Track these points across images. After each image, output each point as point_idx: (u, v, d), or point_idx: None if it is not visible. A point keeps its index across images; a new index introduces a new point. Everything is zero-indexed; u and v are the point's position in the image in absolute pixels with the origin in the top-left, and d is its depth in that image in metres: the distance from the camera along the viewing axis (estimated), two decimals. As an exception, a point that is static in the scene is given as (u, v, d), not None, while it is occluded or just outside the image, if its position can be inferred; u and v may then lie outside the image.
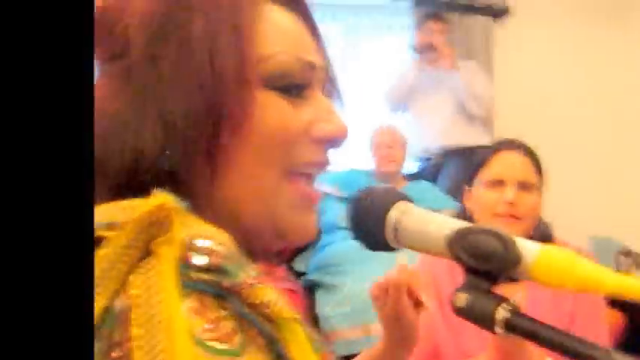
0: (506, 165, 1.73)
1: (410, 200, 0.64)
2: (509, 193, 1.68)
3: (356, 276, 2.68)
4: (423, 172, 3.94)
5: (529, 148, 1.78)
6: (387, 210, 0.62)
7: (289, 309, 0.50)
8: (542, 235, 1.74)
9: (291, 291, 2.68)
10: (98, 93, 0.55)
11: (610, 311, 2.53)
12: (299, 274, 2.95)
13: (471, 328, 1.57)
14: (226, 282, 0.48)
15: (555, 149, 3.37)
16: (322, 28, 0.66)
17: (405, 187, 3.29)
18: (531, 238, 1.67)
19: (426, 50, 3.90)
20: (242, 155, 0.56)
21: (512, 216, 1.67)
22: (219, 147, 0.55)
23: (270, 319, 0.49)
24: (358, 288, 2.63)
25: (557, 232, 1.80)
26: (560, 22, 4.46)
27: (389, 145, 3.31)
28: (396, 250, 0.63)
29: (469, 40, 4.33)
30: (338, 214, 2.91)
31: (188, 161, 0.55)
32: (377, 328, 2.51)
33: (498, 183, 1.71)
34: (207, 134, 0.55)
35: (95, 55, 0.59)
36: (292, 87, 0.59)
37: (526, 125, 3.56)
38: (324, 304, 2.68)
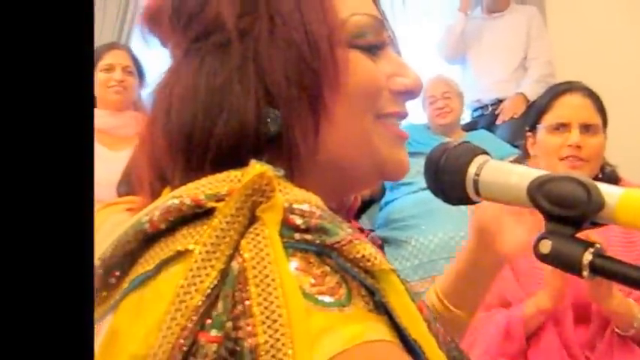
0: (569, 108, 1.72)
1: (486, 153, 0.66)
2: (574, 135, 1.67)
3: (422, 230, 2.69)
4: (479, 121, 3.90)
5: (590, 89, 1.76)
6: (467, 165, 0.64)
7: (386, 261, 0.53)
8: (609, 177, 1.73)
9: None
10: (192, 71, 0.60)
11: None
12: (362, 230, 2.98)
13: (537, 275, 1.59)
14: (328, 240, 0.51)
15: (616, 91, 3.30)
16: None
17: (463, 137, 3.27)
18: (597, 179, 1.67)
19: None
20: (340, 108, 0.61)
21: (578, 158, 1.66)
22: (321, 105, 0.60)
23: (368, 272, 0.53)
24: (425, 241, 2.65)
25: (625, 171, 1.78)
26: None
27: (445, 97, 3.28)
28: (476, 202, 0.65)
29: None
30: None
31: (293, 122, 0.59)
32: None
33: (562, 126, 1.70)
34: (309, 95, 0.60)
35: (175, 39, 0.64)
36: (370, 45, 0.64)
37: (584, 68, 3.49)
38: (393, 259, 2.70)
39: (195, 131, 0.58)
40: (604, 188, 0.56)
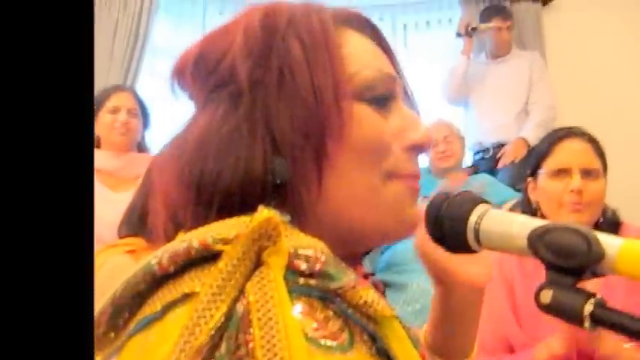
0: (570, 153, 1.73)
1: (487, 202, 0.66)
2: (575, 181, 1.68)
3: (423, 273, 2.67)
4: (480, 164, 3.93)
5: (589, 134, 1.77)
6: (468, 214, 0.64)
7: (388, 308, 0.55)
8: (610, 220, 1.73)
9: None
10: (206, 119, 0.63)
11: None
12: (366, 276, 2.95)
13: (541, 319, 1.59)
14: (332, 285, 0.53)
15: (617, 134, 3.32)
16: None
17: (465, 181, 3.28)
18: (599, 223, 1.67)
19: (469, 32, 3.94)
20: (344, 161, 0.63)
21: (579, 203, 1.67)
22: (325, 155, 0.62)
23: (371, 318, 0.54)
24: (426, 285, 2.64)
25: (626, 214, 1.79)
26: (613, 2, 4.37)
27: (446, 140, 3.30)
28: (476, 251, 0.66)
29: (519, 29, 4.29)
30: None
31: (296, 171, 0.61)
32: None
33: (563, 172, 1.71)
34: (313, 145, 0.61)
35: (195, 91, 0.67)
36: (379, 98, 0.66)
37: (584, 112, 3.52)
38: (394, 303, 2.69)
39: (204, 176, 0.60)
40: (604, 239, 0.57)
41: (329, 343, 0.51)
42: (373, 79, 0.66)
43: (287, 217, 0.56)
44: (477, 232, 0.64)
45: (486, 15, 4.03)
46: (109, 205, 2.37)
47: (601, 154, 1.76)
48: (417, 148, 0.68)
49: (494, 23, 3.95)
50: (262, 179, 0.60)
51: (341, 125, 0.62)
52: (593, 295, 0.56)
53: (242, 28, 0.65)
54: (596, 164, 1.73)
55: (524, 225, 0.61)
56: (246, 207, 0.57)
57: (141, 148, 2.74)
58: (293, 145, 0.61)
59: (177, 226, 0.62)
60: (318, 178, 0.62)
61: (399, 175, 0.66)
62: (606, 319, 0.55)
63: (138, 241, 1.75)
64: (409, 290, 2.68)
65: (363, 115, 0.64)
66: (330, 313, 0.53)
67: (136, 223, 1.78)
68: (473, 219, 0.64)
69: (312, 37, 0.64)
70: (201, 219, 0.59)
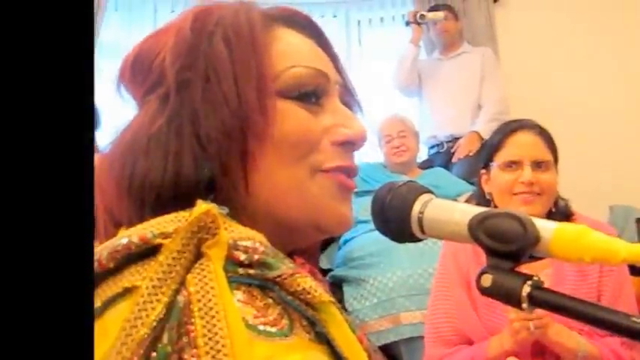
0: (521, 145, 1.76)
1: (430, 192, 0.68)
2: (526, 173, 1.71)
3: (380, 268, 2.71)
4: (435, 158, 3.98)
5: (540, 127, 1.81)
6: (411, 204, 0.66)
7: (325, 294, 0.57)
8: (562, 211, 1.77)
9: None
10: (139, 119, 0.65)
11: (635, 279, 2.54)
12: (324, 271, 2.98)
13: (496, 309, 1.62)
14: (270, 274, 0.55)
15: (570, 125, 3.39)
16: (323, 24, 0.73)
17: (419, 175, 3.31)
18: (551, 214, 1.72)
19: (418, 21, 4.01)
20: (269, 159, 0.64)
21: (531, 194, 1.71)
22: (248, 153, 0.63)
23: (309, 304, 0.56)
24: (384, 279, 2.67)
25: (578, 205, 1.83)
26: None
27: (400, 135, 3.32)
28: (421, 240, 0.68)
29: (471, 25, 4.36)
30: (357, 208, 2.93)
31: (223, 170, 0.62)
32: (406, 317, 2.56)
33: (514, 164, 1.74)
34: (237, 144, 0.62)
35: (134, 92, 0.68)
36: (308, 95, 0.67)
37: (535, 105, 3.59)
38: (352, 298, 2.71)
39: (135, 174, 0.61)
40: (540, 223, 0.59)
41: (269, 329, 0.53)
42: (301, 76, 0.67)
43: (225, 210, 0.57)
44: (420, 220, 0.65)
45: (433, 10, 4.13)
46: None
47: (552, 146, 1.79)
48: (349, 144, 0.68)
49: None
50: (194, 178, 0.61)
51: (264, 123, 0.63)
52: (530, 277, 0.58)
53: (174, 30, 0.67)
54: (547, 156, 1.76)
55: (465, 212, 0.63)
56: (180, 204, 0.58)
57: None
58: (218, 145, 0.62)
59: (115, 224, 0.63)
60: (244, 177, 0.63)
61: (327, 169, 0.67)
62: (543, 299, 0.58)
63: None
64: (367, 285, 2.70)
65: (287, 112, 0.65)
66: (270, 300, 0.55)
67: None
68: (416, 208, 0.66)
69: (238, 37, 0.65)
70: (136, 216, 0.60)
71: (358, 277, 2.75)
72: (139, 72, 0.67)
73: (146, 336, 0.48)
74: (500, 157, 1.78)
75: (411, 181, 0.70)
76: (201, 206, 0.55)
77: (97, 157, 0.66)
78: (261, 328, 0.52)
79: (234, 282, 0.54)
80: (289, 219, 0.64)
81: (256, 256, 0.55)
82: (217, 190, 0.62)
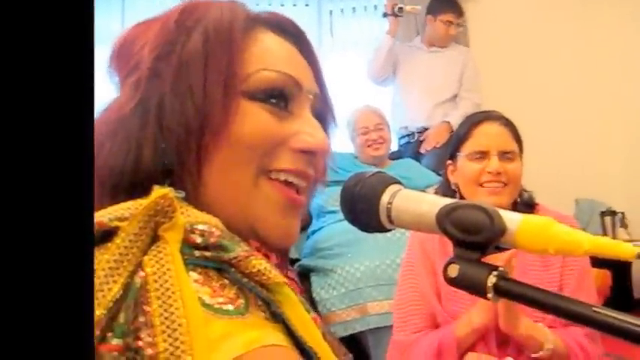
0: (487, 136, 1.78)
1: (399, 183, 0.69)
2: (493, 162, 1.73)
3: (348, 258, 2.72)
4: (405, 149, 4.00)
5: (506, 118, 1.83)
6: (379, 195, 0.67)
7: (280, 275, 0.58)
8: (526, 202, 1.80)
9: (288, 277, 2.71)
10: (113, 104, 0.66)
11: (597, 271, 2.60)
12: (292, 261, 2.99)
13: (460, 296, 1.64)
14: (226, 256, 0.56)
15: (536, 118, 3.44)
16: (296, 12, 0.74)
17: (389, 165, 3.32)
18: (516, 204, 1.74)
19: (396, 13, 4.02)
20: (222, 155, 0.64)
21: (498, 184, 1.73)
22: (204, 147, 0.64)
23: (264, 285, 0.57)
24: (352, 269, 2.68)
25: (543, 198, 1.85)
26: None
27: (377, 128, 3.32)
28: (390, 230, 0.68)
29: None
30: (326, 198, 2.95)
31: (180, 161, 0.63)
32: (373, 307, 2.58)
33: (481, 154, 1.75)
34: (195, 137, 0.63)
35: (118, 76, 0.70)
36: (275, 98, 0.67)
37: (505, 96, 3.63)
38: (320, 288, 2.72)
39: (98, 158, 0.62)
40: (506, 215, 0.60)
41: (225, 307, 0.53)
42: (269, 80, 0.67)
43: (181, 194, 0.59)
44: (389, 211, 0.66)
45: (437, 7, 4.11)
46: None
47: (517, 137, 1.81)
48: (309, 153, 0.69)
49: (446, 17, 4.04)
50: (152, 166, 0.63)
51: (224, 120, 0.64)
52: (495, 267, 0.60)
53: (161, 21, 0.68)
54: (513, 146, 1.78)
55: (433, 204, 0.64)
56: (137, 191, 0.59)
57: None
58: (177, 135, 0.63)
59: None
60: (198, 171, 0.64)
61: (277, 179, 0.67)
62: (508, 290, 0.59)
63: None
64: (334, 275, 2.71)
65: (250, 112, 0.66)
66: (226, 281, 0.56)
67: None
68: (385, 199, 0.66)
69: (216, 33, 0.66)
70: (100, 201, 0.60)
71: (326, 267, 2.76)
72: (123, 56, 0.69)
73: (102, 316, 0.49)
74: (467, 148, 1.79)
75: (379, 171, 0.70)
76: (158, 190, 0.56)
77: None
78: (217, 307, 0.53)
79: (191, 264, 0.55)
80: (232, 221, 0.63)
81: (212, 239, 0.56)
82: (174, 180, 0.63)
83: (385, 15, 4.12)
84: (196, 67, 0.65)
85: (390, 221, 0.67)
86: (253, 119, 0.66)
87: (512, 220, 0.59)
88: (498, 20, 4.50)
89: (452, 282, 0.61)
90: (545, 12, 4.51)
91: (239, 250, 0.57)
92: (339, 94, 0.71)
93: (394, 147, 3.97)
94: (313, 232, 3.03)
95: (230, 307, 0.54)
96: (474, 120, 1.83)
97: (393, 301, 1.93)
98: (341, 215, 0.71)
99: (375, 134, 3.30)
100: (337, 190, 0.70)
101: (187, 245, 0.55)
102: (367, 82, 4.22)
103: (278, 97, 0.68)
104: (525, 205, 1.78)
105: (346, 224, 0.71)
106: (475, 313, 1.61)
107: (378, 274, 2.63)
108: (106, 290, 0.50)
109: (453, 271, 0.61)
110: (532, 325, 1.59)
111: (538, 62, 4.43)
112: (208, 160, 0.64)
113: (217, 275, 0.56)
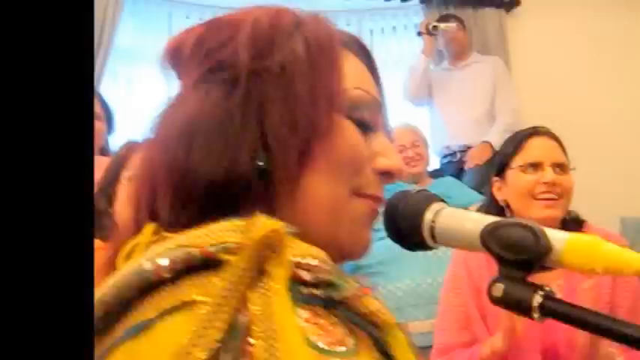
0: (539, 148, 1.76)
1: (443, 201, 0.68)
2: (548, 173, 1.71)
3: (390, 276, 2.70)
4: (447, 167, 3.98)
5: (553, 133, 1.81)
6: (423, 212, 0.66)
7: (392, 316, 0.56)
8: (575, 219, 1.77)
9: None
10: (196, 103, 0.63)
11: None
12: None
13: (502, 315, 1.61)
14: (336, 295, 0.54)
15: (581, 135, 3.38)
16: None
17: (430, 184, 3.31)
18: (565, 222, 1.71)
19: (431, 32, 4.02)
20: (323, 165, 0.63)
21: (553, 196, 1.70)
22: (309, 153, 0.62)
23: (375, 325, 0.56)
24: (393, 288, 2.66)
25: (588, 216, 1.82)
26: (574, 9, 4.46)
27: (414, 145, 3.32)
28: (433, 248, 0.68)
29: (483, 35, 4.37)
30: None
31: (279, 166, 0.61)
32: (415, 326, 2.55)
33: (534, 166, 1.73)
34: (300, 144, 0.61)
35: (187, 73, 0.67)
36: (363, 118, 0.67)
37: (548, 114, 3.58)
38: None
39: (190, 161, 0.60)
40: (551, 233, 0.59)
41: (335, 348, 0.51)
42: (361, 100, 0.67)
43: (291, 228, 0.56)
44: (432, 229, 0.66)
45: (443, 21, 4.14)
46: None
47: (564, 152, 1.79)
48: (387, 175, 0.68)
49: (444, 27, 4.06)
50: (245, 169, 0.60)
51: (328, 133, 0.62)
52: (542, 287, 0.59)
53: (250, 20, 0.65)
54: (564, 159, 1.76)
55: (476, 222, 0.63)
56: (225, 198, 0.58)
57: (104, 152, 2.71)
58: (282, 140, 0.61)
59: (151, 215, 0.61)
60: (298, 177, 0.62)
61: (365, 194, 0.66)
62: (555, 310, 0.58)
63: (100, 244, 1.74)
64: (375, 293, 2.68)
65: (347, 129, 0.65)
66: (335, 319, 0.54)
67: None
68: (428, 216, 0.66)
69: (318, 43, 0.65)
70: (179, 207, 0.59)
71: (368, 285, 2.73)
72: (204, 50, 0.65)
73: (206, 357, 0.46)
74: (519, 160, 1.77)
75: (423, 189, 0.70)
76: (264, 222, 0.53)
77: (145, 143, 0.66)
78: (327, 348, 0.51)
79: (298, 301, 0.52)
80: (320, 232, 0.62)
81: (321, 275, 0.54)
82: (270, 182, 0.60)
83: (419, 34, 4.12)
84: (301, 73, 0.63)
85: (434, 239, 0.66)
86: (351, 137, 0.65)
87: (557, 238, 0.58)
88: (540, 36, 4.45)
89: (496, 301, 0.60)
90: (587, 24, 4.46)
91: (349, 288, 0.55)
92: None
93: (436, 165, 3.96)
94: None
95: (340, 348, 0.52)
96: (523, 135, 1.82)
97: (435, 320, 1.91)
98: (382, 233, 0.70)
99: (412, 151, 3.29)
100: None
101: (295, 282, 0.53)
102: (406, 101, 4.22)
103: (364, 117, 0.67)
104: (574, 222, 1.76)
105: (387, 242, 0.71)
106: (497, 337, 1.58)
107: (419, 292, 2.60)
108: (211, 329, 0.48)
109: (498, 290, 0.60)
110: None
111: (582, 77, 4.37)
112: (310, 168, 0.62)
113: (325, 313, 0.54)
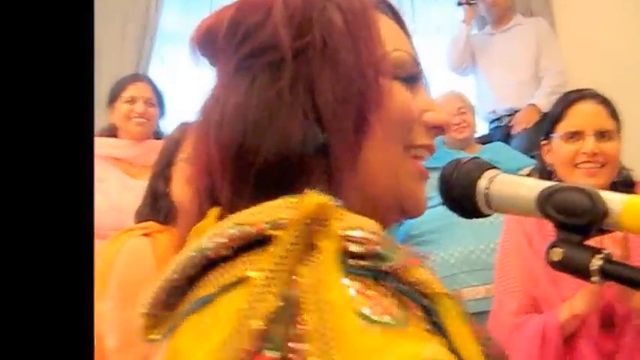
0: (582, 116, 1.73)
1: (496, 168, 0.69)
2: (588, 143, 1.69)
3: (442, 244, 2.70)
4: (494, 133, 3.93)
5: (602, 96, 1.78)
6: (477, 180, 0.67)
7: (442, 286, 0.56)
8: (624, 181, 1.74)
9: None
10: (244, 86, 0.63)
11: None
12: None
13: (566, 278, 1.60)
14: (383, 266, 0.54)
15: (630, 96, 3.30)
16: None
17: (479, 150, 3.28)
18: (615, 184, 1.68)
19: (470, 1, 3.97)
20: (378, 132, 0.64)
21: (594, 165, 1.68)
22: (365, 125, 0.63)
23: (424, 295, 0.56)
24: (445, 255, 2.66)
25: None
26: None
27: (460, 112, 3.29)
28: (488, 215, 0.68)
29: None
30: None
31: (336, 140, 0.62)
32: (468, 292, 2.55)
33: (576, 135, 1.71)
34: (354, 115, 0.62)
35: (224, 57, 0.67)
36: (408, 77, 0.68)
37: (594, 75, 3.50)
38: (414, 275, 2.70)
39: (245, 143, 0.61)
40: (608, 196, 0.59)
41: (384, 318, 0.51)
42: (404, 60, 0.68)
43: (338, 202, 0.56)
44: (487, 196, 0.66)
45: None
46: (130, 193, 2.41)
47: (615, 115, 1.76)
48: (438, 128, 0.70)
49: None
50: (301, 148, 0.60)
51: (380, 99, 0.63)
52: (600, 250, 0.59)
53: (275, 1, 0.65)
54: (610, 125, 1.73)
55: (532, 187, 0.64)
56: (282, 177, 0.59)
57: (157, 135, 2.77)
58: (336, 115, 0.61)
59: (213, 201, 0.63)
60: (358, 148, 0.63)
61: (416, 151, 0.68)
62: (613, 272, 0.58)
63: (152, 225, 1.79)
64: (428, 262, 2.68)
65: (396, 91, 0.66)
66: (384, 290, 0.54)
67: (150, 208, 1.83)
68: (482, 184, 0.67)
69: (353, 13, 0.65)
70: (238, 189, 0.61)
71: (420, 254, 2.73)
72: (239, 35, 0.65)
73: (259, 327, 0.48)
74: (562, 128, 1.75)
75: (475, 157, 0.70)
76: (313, 197, 0.54)
77: (196, 128, 0.67)
78: (376, 317, 0.51)
79: (347, 273, 0.53)
80: (377, 198, 0.64)
81: (369, 247, 0.54)
82: (325, 162, 0.61)
83: (460, 4, 4.06)
84: (343, 44, 0.63)
85: (489, 207, 0.67)
86: (402, 98, 0.66)
87: (614, 200, 0.58)
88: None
89: (555, 266, 0.61)
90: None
91: (397, 258, 0.55)
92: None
93: (484, 131, 3.91)
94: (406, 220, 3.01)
95: (389, 317, 0.52)
96: (568, 100, 1.79)
97: (493, 285, 1.91)
98: (433, 202, 0.71)
99: (459, 118, 3.26)
100: (429, 177, 0.70)
101: (343, 254, 0.53)
102: (446, 66, 4.17)
103: (410, 76, 0.69)
104: (624, 184, 1.73)
105: (439, 210, 0.71)
106: (577, 299, 1.57)
107: (472, 259, 2.60)
108: (263, 301, 0.49)
109: (556, 254, 0.60)
110: None
111: (627, 36, 4.23)
112: (367, 135, 0.63)
113: (374, 284, 0.54)
